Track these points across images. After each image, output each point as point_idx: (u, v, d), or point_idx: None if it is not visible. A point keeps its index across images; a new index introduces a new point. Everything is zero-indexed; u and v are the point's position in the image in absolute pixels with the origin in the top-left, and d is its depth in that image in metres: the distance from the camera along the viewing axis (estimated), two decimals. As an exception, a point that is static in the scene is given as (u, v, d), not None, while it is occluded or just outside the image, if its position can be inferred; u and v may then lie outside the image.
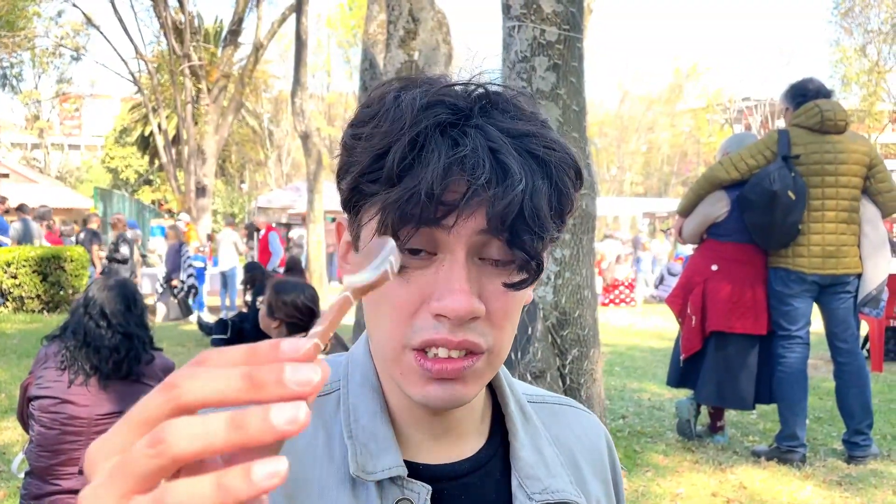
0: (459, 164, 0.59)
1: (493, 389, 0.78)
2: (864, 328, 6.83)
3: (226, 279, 11.70)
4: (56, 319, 8.67)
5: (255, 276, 8.08)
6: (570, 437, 0.81)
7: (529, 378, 3.78)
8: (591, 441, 0.83)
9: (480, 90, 0.64)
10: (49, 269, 10.33)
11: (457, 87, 0.64)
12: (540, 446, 0.76)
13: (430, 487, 0.68)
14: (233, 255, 11.75)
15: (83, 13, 22.09)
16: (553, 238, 0.64)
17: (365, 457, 0.67)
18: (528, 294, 0.70)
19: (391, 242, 0.46)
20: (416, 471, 0.70)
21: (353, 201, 0.66)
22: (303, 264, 11.55)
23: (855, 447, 4.17)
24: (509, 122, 0.62)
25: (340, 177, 0.66)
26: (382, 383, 0.72)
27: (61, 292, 10.39)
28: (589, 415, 0.86)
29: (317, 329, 0.38)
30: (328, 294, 11.78)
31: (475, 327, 0.63)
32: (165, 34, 19.70)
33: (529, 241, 0.61)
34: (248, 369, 0.34)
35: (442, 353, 0.63)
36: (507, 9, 3.99)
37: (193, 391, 0.34)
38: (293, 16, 16.52)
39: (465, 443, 0.73)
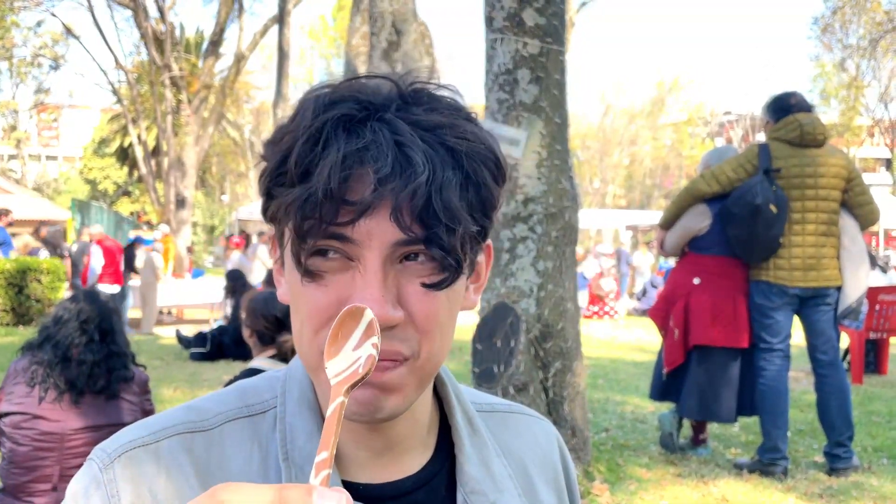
0: (358, 158, 0.57)
1: (440, 400, 0.75)
2: (845, 341, 6.88)
3: None
4: (31, 333, 8.53)
5: (236, 285, 8.02)
6: (521, 445, 0.79)
7: (512, 391, 3.75)
8: (542, 448, 0.81)
9: (396, 85, 0.62)
10: (24, 281, 10.17)
11: (372, 83, 0.62)
12: (487, 459, 0.73)
13: None
14: (262, 269, 11.75)
15: (62, 23, 21.93)
16: (473, 232, 0.60)
17: (301, 481, 0.64)
18: (472, 300, 0.69)
19: (366, 317, 0.48)
20: (356, 491, 0.67)
21: (269, 210, 0.63)
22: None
23: (836, 459, 4.18)
24: (423, 114, 0.60)
25: (259, 184, 0.64)
26: (319, 399, 0.69)
27: (36, 305, 10.23)
28: (540, 420, 0.84)
29: (322, 457, 0.42)
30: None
31: (395, 335, 0.60)
32: (146, 44, 19.59)
33: (442, 234, 0.58)
34: None
35: None
36: (489, 21, 4.00)
37: None
38: (275, 27, 16.51)
39: (410, 458, 0.70)
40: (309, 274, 0.60)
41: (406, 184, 0.56)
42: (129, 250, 11.97)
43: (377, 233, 0.58)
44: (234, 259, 12.19)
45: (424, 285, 0.60)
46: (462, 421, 0.74)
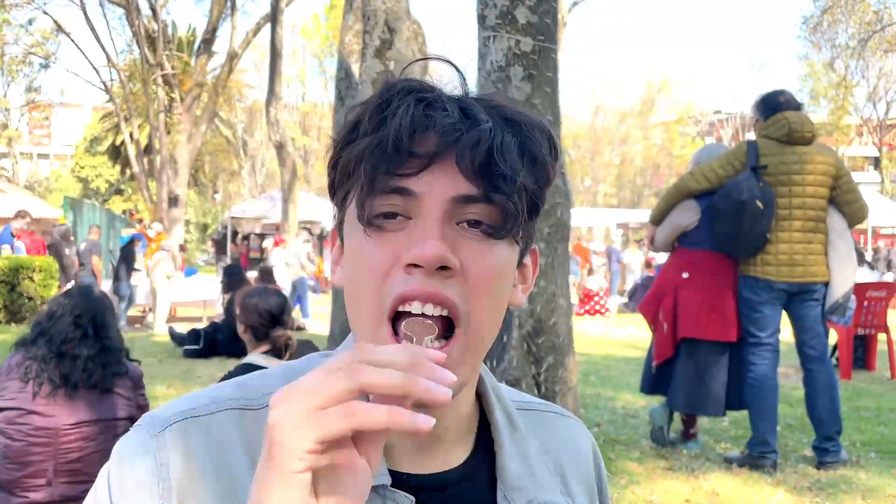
0: (427, 110, 0.61)
1: (480, 397, 0.76)
2: (833, 337, 6.95)
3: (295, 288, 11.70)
4: (23, 331, 8.51)
5: (233, 280, 8.00)
6: (557, 445, 0.79)
7: (505, 386, 3.78)
8: (577, 448, 0.81)
9: (458, 73, 0.68)
10: (16, 279, 10.14)
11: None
12: (528, 456, 0.74)
13: (412, 498, 0.66)
14: (297, 267, 11.83)
15: (54, 21, 21.83)
16: (530, 196, 0.64)
17: None
18: (518, 297, 0.70)
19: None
20: (400, 480, 0.67)
21: (335, 180, 0.66)
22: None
23: (825, 453, 4.23)
24: (483, 100, 0.65)
25: (328, 171, 0.68)
26: None
27: (29, 303, 10.20)
28: (576, 422, 0.84)
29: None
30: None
31: (449, 284, 0.61)
32: (138, 42, 19.53)
33: (503, 183, 0.61)
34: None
35: (415, 307, 0.61)
36: (482, 19, 4.02)
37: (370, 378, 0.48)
38: (268, 25, 16.49)
39: (452, 452, 0.71)
40: (371, 225, 0.63)
41: (470, 133, 0.60)
42: (128, 248, 11.98)
43: (439, 187, 0.61)
44: (276, 255, 12.35)
45: (485, 232, 0.63)
46: (501, 417, 0.74)
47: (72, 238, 12.33)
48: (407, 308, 0.61)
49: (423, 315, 0.61)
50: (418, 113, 0.61)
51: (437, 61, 0.71)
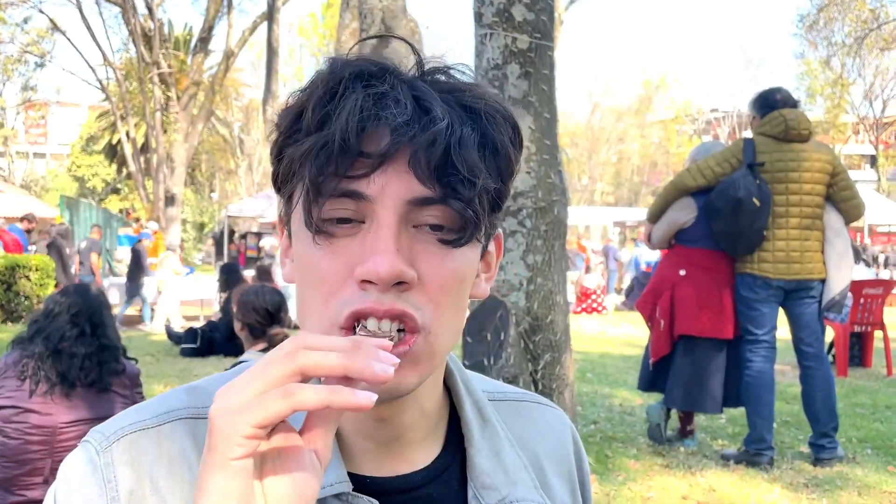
0: (375, 108, 0.55)
1: (449, 391, 0.72)
2: (830, 334, 6.97)
3: None
4: (20, 330, 8.50)
5: (230, 279, 8.00)
6: (534, 436, 0.76)
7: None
8: (555, 438, 0.78)
9: (414, 51, 0.62)
10: (13, 278, 10.12)
11: (391, 47, 0.63)
12: (500, 451, 0.70)
13: (376, 502, 0.63)
14: None
15: (50, 19, 21.77)
16: (492, 195, 0.59)
17: None
18: (482, 288, 0.66)
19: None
20: (363, 484, 0.64)
21: (279, 173, 0.61)
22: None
23: (821, 450, 4.24)
24: (441, 82, 0.60)
25: (271, 155, 0.62)
26: None
27: (25, 302, 10.18)
28: (554, 409, 0.80)
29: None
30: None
31: (406, 297, 0.57)
32: (134, 41, 19.50)
33: (461, 187, 0.56)
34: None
35: (371, 324, 0.57)
36: (479, 17, 4.02)
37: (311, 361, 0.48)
38: (264, 24, 16.47)
39: (418, 451, 0.68)
40: (321, 233, 0.58)
41: (424, 132, 0.54)
42: (136, 251, 12.03)
43: (392, 189, 0.56)
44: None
45: (442, 241, 0.58)
46: (472, 412, 0.71)
47: (70, 237, 12.41)
48: (363, 325, 0.58)
49: (379, 331, 0.58)
50: (367, 106, 0.55)
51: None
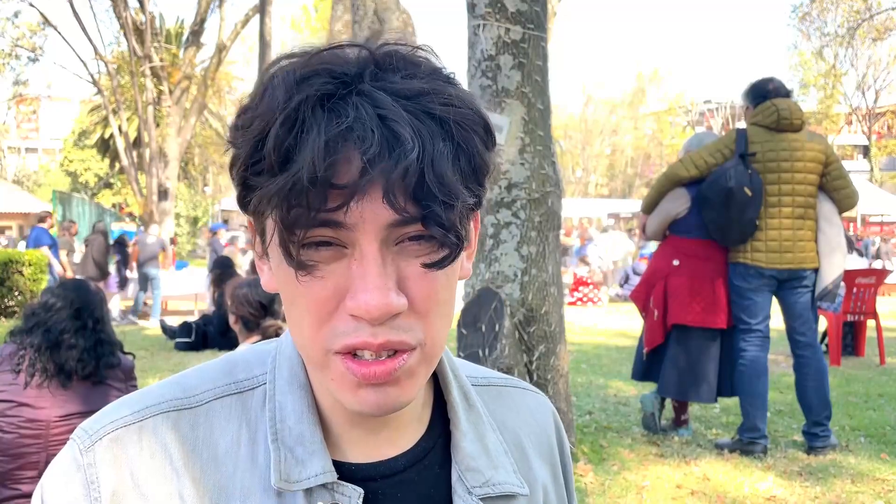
0: (342, 139, 0.52)
1: (436, 374, 0.73)
2: (823, 323, 7.00)
3: None
4: (13, 325, 8.47)
5: (224, 274, 7.98)
6: (516, 419, 0.77)
7: (496, 375, 3.79)
8: (537, 422, 0.79)
9: (367, 52, 0.57)
10: (6, 274, 10.08)
11: (342, 52, 0.57)
12: (483, 435, 0.71)
13: (361, 490, 0.64)
14: None
15: (40, 13, 21.62)
16: (469, 204, 0.57)
17: (290, 464, 0.62)
18: (465, 268, 0.65)
19: None
20: (349, 472, 0.65)
21: (245, 198, 0.58)
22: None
23: (814, 438, 4.26)
24: (402, 82, 0.55)
25: (230, 172, 0.59)
26: (311, 380, 0.66)
27: (18, 297, 10.15)
28: (536, 394, 0.81)
29: None
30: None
31: (399, 324, 0.57)
32: (126, 35, 19.36)
33: (439, 211, 0.54)
34: None
35: (367, 355, 0.57)
36: (472, 7, 4.01)
37: None
38: (256, 17, 16.39)
39: (403, 434, 0.68)
40: (303, 267, 0.56)
41: (396, 163, 0.52)
42: (121, 245, 12.07)
43: (370, 215, 0.54)
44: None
45: (425, 265, 0.57)
46: (458, 396, 0.72)
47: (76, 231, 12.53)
48: (359, 353, 0.57)
49: (376, 360, 0.57)
50: (332, 138, 0.52)
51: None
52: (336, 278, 0.56)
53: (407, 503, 0.67)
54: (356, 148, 0.52)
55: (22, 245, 11.23)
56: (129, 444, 0.62)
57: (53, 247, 10.86)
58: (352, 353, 0.57)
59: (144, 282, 11.49)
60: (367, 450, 0.67)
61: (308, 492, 0.62)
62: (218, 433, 0.64)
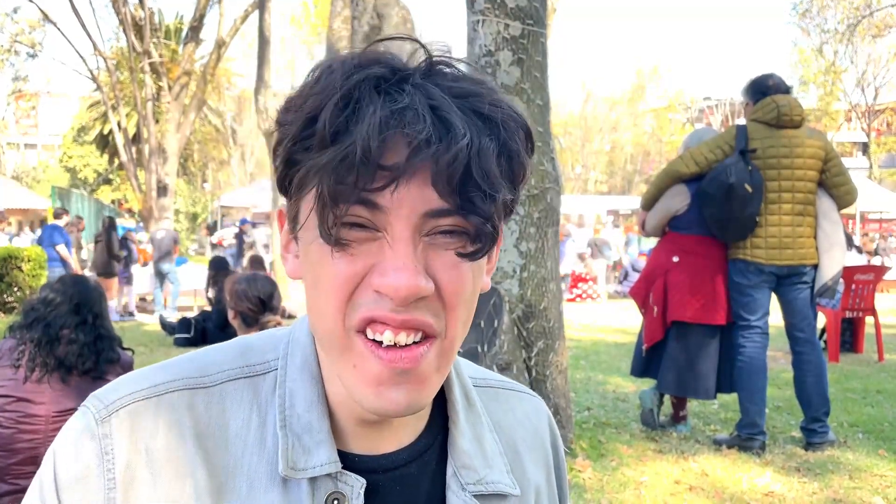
0: (397, 119, 0.54)
1: None
2: (821, 320, 7.00)
3: None
4: (12, 321, 8.47)
5: (220, 272, 8.00)
6: (512, 422, 0.78)
7: (496, 370, 3.80)
8: (532, 425, 0.80)
9: (422, 54, 0.60)
10: (5, 269, 10.08)
11: (396, 45, 0.62)
12: (480, 435, 0.73)
13: (363, 480, 0.65)
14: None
15: (39, 9, 21.57)
16: (507, 204, 0.59)
17: (297, 451, 0.64)
18: (485, 281, 0.66)
19: None
20: (352, 463, 0.66)
21: (287, 177, 0.60)
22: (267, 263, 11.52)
23: (812, 434, 4.27)
24: (452, 82, 0.58)
25: (274, 153, 0.61)
26: (323, 370, 0.67)
27: (18, 293, 10.15)
28: (532, 398, 0.83)
29: None
30: (291, 291, 11.71)
31: (424, 306, 0.58)
32: (125, 30, 19.32)
33: (480, 202, 0.56)
34: None
35: (387, 337, 0.58)
36: (471, 3, 4.01)
37: None
38: (256, 13, 16.35)
39: (405, 430, 0.69)
40: (338, 243, 0.57)
41: (447, 148, 0.54)
42: (124, 242, 12.13)
43: (408, 201, 0.56)
44: (258, 233, 12.79)
45: (459, 254, 0.58)
46: (459, 394, 0.73)
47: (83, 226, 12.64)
48: (378, 337, 0.58)
49: (395, 346, 0.58)
50: (387, 119, 0.54)
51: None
52: (366, 258, 0.58)
53: (406, 497, 0.68)
54: (408, 131, 0.54)
55: (19, 241, 11.21)
56: (145, 418, 0.63)
57: (67, 244, 10.87)
58: (375, 340, 0.58)
59: (161, 278, 11.60)
60: (371, 443, 0.68)
61: (313, 480, 0.64)
62: (229, 415, 0.65)
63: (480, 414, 0.74)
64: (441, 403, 0.73)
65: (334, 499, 0.64)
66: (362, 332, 0.59)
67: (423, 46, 0.60)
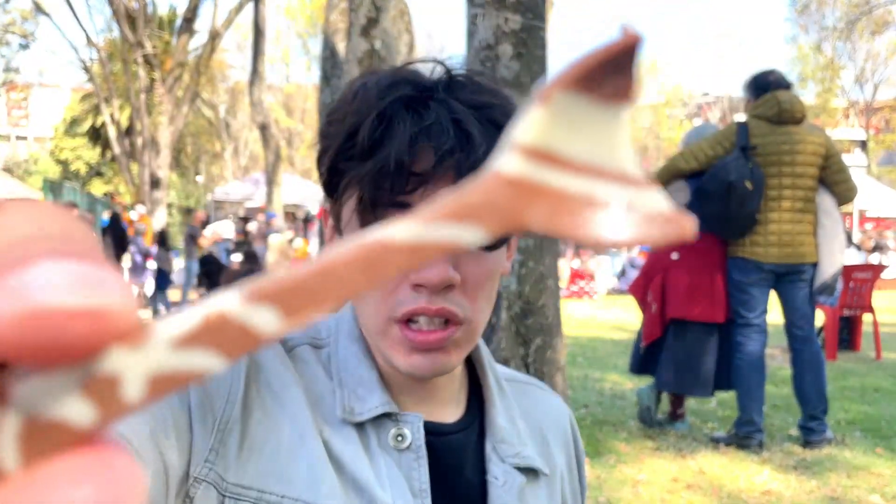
0: (425, 134, 0.64)
1: (472, 364, 0.83)
2: (820, 318, 6.99)
3: None
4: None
5: (211, 269, 7.96)
6: (539, 413, 0.86)
7: (493, 367, 3.77)
8: (556, 418, 0.87)
9: (442, 70, 0.70)
10: None
11: (419, 67, 0.70)
12: (513, 417, 0.81)
13: (422, 415, 0.73)
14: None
15: (33, 0, 21.40)
16: None
17: (353, 400, 0.72)
18: (505, 266, 0.75)
19: None
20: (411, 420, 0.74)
21: (332, 182, 0.71)
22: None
23: (810, 432, 4.25)
24: (470, 95, 0.68)
25: (319, 162, 0.72)
26: (371, 348, 0.75)
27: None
28: (555, 396, 0.91)
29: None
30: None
31: (452, 297, 0.68)
32: (118, 21, 19.19)
33: None
34: None
35: (423, 322, 0.68)
36: (470, -4, 3.95)
37: None
38: (251, 4, 16.25)
39: (446, 410, 0.78)
40: None
41: (468, 156, 0.64)
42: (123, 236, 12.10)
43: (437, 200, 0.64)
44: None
45: (481, 247, 0.67)
46: (493, 381, 0.82)
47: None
48: (416, 323, 0.68)
49: (430, 330, 0.68)
50: (416, 134, 0.64)
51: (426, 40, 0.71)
52: None
53: (455, 460, 0.76)
54: (434, 143, 0.64)
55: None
56: (293, 360, 0.74)
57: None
58: (407, 322, 0.68)
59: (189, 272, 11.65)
60: (421, 411, 0.76)
61: (375, 422, 0.72)
62: (304, 368, 0.74)
63: (511, 400, 0.83)
64: (476, 391, 0.82)
65: (398, 435, 0.72)
66: (401, 322, 0.69)
67: (441, 63, 0.70)
